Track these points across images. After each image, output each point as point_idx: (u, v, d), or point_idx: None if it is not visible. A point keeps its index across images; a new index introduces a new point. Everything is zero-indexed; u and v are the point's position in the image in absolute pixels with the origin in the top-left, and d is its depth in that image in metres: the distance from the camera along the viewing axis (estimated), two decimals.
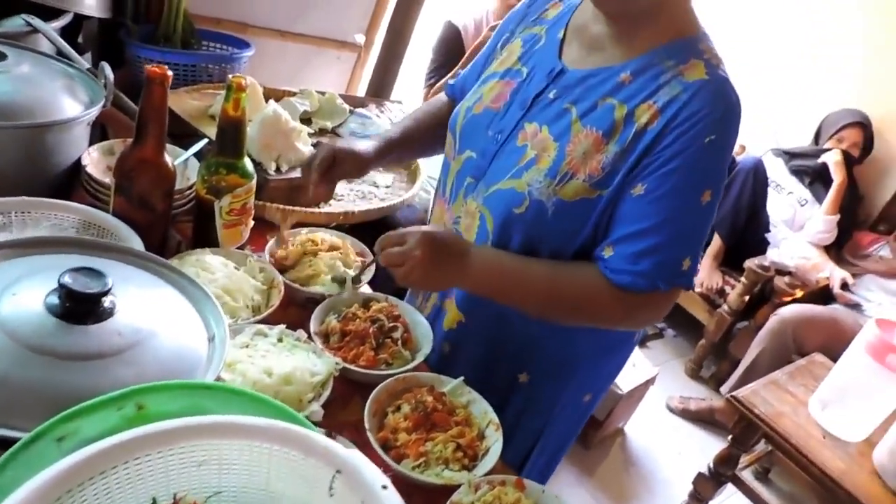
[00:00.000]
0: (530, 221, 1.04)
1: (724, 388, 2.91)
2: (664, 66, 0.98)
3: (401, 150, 1.32)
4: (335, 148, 1.21)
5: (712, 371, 3.23)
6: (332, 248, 1.26)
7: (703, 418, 2.91)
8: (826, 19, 3.48)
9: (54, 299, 0.72)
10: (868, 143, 3.19)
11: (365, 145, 1.25)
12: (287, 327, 1.07)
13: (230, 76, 1.08)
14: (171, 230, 1.26)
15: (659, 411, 2.93)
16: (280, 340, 1.05)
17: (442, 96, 1.36)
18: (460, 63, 2.21)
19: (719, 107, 0.94)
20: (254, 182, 1.18)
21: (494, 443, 0.99)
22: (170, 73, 1.02)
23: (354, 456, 0.59)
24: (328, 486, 0.58)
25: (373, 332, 1.09)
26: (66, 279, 0.70)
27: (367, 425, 0.95)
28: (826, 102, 3.36)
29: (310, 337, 1.08)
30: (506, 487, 0.91)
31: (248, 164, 1.17)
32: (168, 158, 1.11)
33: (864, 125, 3.17)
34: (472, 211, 1.12)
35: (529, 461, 1.27)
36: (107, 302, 0.74)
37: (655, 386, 2.71)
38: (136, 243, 1.07)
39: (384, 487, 0.55)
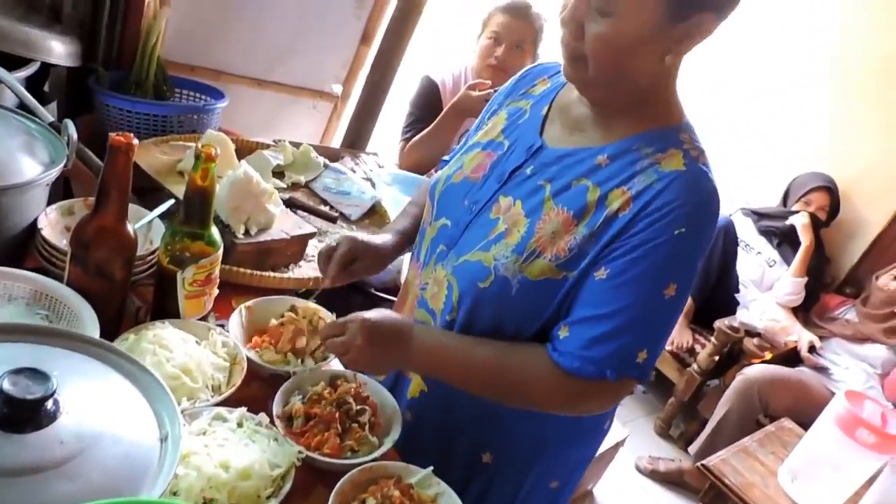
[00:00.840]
0: (494, 297, 1.02)
1: (692, 449, 2.89)
2: (642, 153, 0.96)
3: (414, 239, 1.31)
4: (357, 242, 1.19)
5: (681, 430, 3.21)
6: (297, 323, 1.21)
7: (672, 480, 2.88)
8: (795, 83, 3.57)
9: None
10: (835, 206, 3.25)
11: (383, 239, 1.24)
12: (249, 407, 1.02)
13: (199, 144, 1.04)
14: (131, 296, 1.20)
15: (628, 471, 2.89)
16: (240, 425, 0.99)
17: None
18: (430, 127, 2.21)
19: (693, 199, 0.92)
20: (220, 251, 1.13)
21: None
22: (135, 141, 0.98)
23: None
24: None
25: (339, 416, 1.04)
26: (6, 384, 0.64)
27: None
28: (795, 164, 3.44)
29: (272, 420, 1.02)
30: None
31: (215, 232, 1.13)
32: (129, 227, 1.06)
33: (830, 189, 3.23)
34: (441, 279, 1.09)
35: None
36: (49, 405, 0.68)
37: (625, 445, 2.67)
38: (89, 316, 1.01)
39: None
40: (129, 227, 1.06)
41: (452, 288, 1.07)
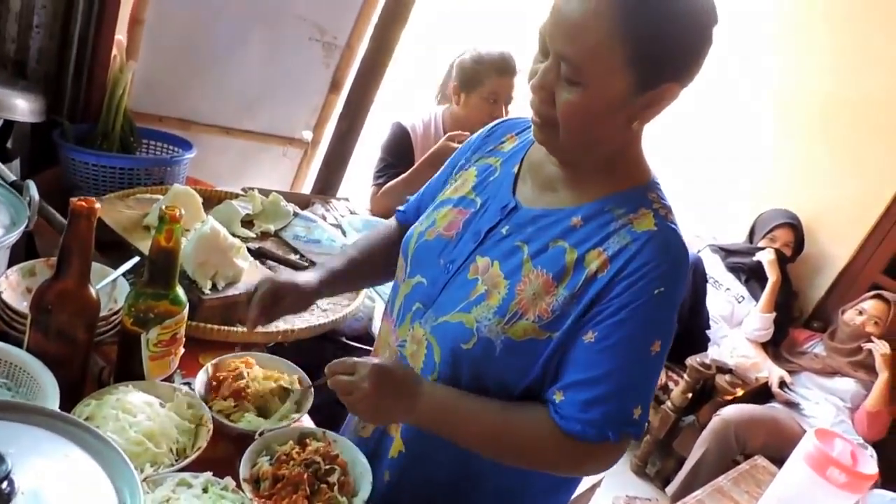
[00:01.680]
0: (478, 357, 1.02)
1: (669, 489, 2.88)
2: (614, 214, 0.99)
3: (346, 281, 1.30)
4: (276, 283, 1.17)
5: (658, 467, 3.20)
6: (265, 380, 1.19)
7: None
8: (759, 121, 3.68)
9: None
10: (799, 242, 3.33)
11: (307, 277, 1.21)
12: (215, 469, 0.99)
13: (163, 206, 1.04)
14: (95, 357, 1.18)
15: None
16: (205, 491, 0.97)
17: (391, 223, 1.34)
18: (406, 175, 2.23)
19: (668, 259, 0.95)
20: (185, 311, 1.12)
21: None
22: (97, 205, 0.97)
23: None
24: None
25: (307, 477, 1.02)
26: None
27: None
28: (760, 200, 3.52)
29: (238, 485, 1.00)
30: None
31: (181, 292, 1.12)
32: (92, 289, 1.05)
33: (794, 226, 3.31)
34: (419, 338, 1.09)
35: None
36: (4, 486, 0.66)
37: (601, 485, 2.66)
38: (50, 382, 0.99)
39: None
40: (92, 290, 1.05)
41: (433, 347, 1.06)
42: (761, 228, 3.37)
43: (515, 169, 1.11)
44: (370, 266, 1.28)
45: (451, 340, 1.03)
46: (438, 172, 1.28)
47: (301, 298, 1.19)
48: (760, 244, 3.33)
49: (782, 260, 3.25)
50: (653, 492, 3.07)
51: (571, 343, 0.98)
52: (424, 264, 1.12)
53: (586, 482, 2.47)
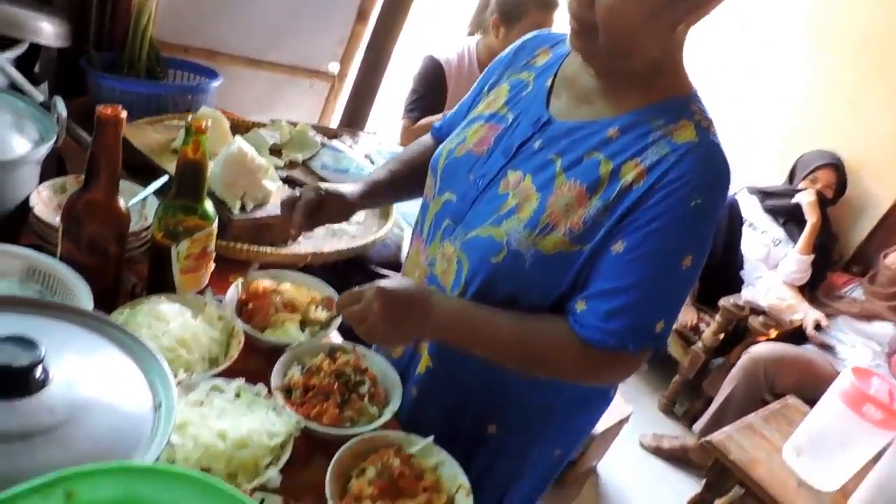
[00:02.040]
0: (507, 271, 1.00)
1: (696, 427, 2.87)
2: (653, 125, 0.94)
3: (387, 193, 1.30)
4: (321, 190, 1.16)
5: (686, 407, 3.19)
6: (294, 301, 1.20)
7: (676, 457, 2.87)
8: (802, 60, 3.53)
9: None
10: (841, 184, 3.22)
11: (351, 188, 1.20)
12: (247, 379, 1.00)
13: (190, 117, 1.02)
14: (127, 272, 1.19)
15: (632, 449, 2.89)
16: (238, 396, 0.98)
17: (427, 138, 1.32)
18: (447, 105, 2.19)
19: (708, 172, 0.92)
20: (215, 225, 1.12)
21: None
22: (123, 114, 0.96)
23: None
24: None
25: (338, 387, 1.03)
26: None
27: (327, 493, 0.88)
28: (801, 142, 3.40)
29: (270, 392, 1.01)
30: None
31: (209, 206, 1.11)
32: (121, 201, 1.05)
33: (837, 167, 3.20)
34: (450, 255, 1.08)
35: None
36: (38, 373, 0.66)
37: (629, 422, 2.66)
38: (84, 291, 1.00)
39: None
40: (121, 202, 1.05)
41: (462, 264, 1.05)
42: (802, 169, 3.26)
43: (549, 83, 1.07)
44: (410, 178, 1.26)
45: (481, 255, 1.01)
46: (470, 91, 1.25)
47: (343, 207, 1.18)
48: (800, 186, 3.22)
49: (823, 202, 3.15)
50: (680, 430, 3.07)
51: (600, 254, 0.95)
52: (454, 181, 1.10)
53: (613, 417, 2.48)
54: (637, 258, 0.92)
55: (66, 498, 0.58)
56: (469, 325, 1.01)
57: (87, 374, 0.72)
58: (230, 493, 0.62)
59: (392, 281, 1.01)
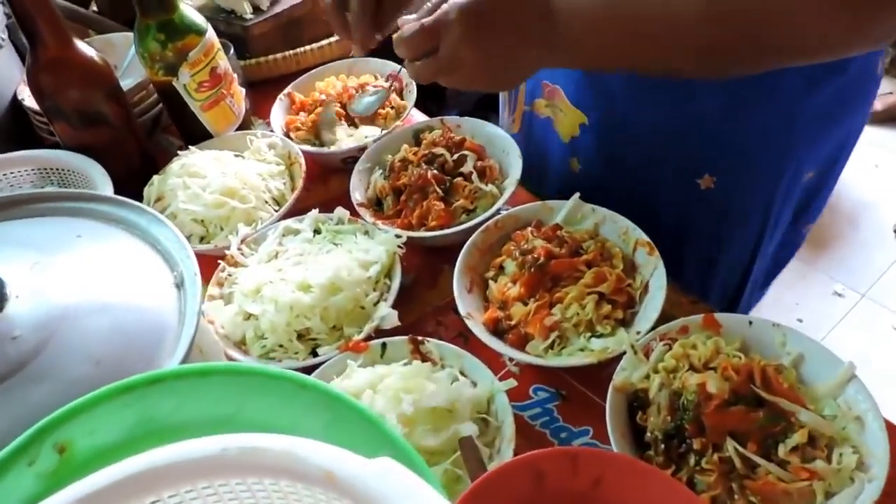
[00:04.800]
0: None
1: None
2: None
3: None
4: None
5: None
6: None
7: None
8: None
9: None
10: None
11: None
12: (323, 209, 0.77)
13: None
14: (165, 137, 0.99)
15: None
16: (317, 232, 0.76)
17: None
18: None
19: None
20: (207, 35, 0.84)
21: (653, 271, 0.66)
22: None
23: None
24: None
25: (433, 176, 0.77)
26: None
27: (461, 311, 0.65)
28: None
29: (354, 213, 0.77)
30: (690, 337, 0.59)
31: (189, 13, 0.83)
32: (86, 50, 0.80)
33: None
34: None
35: (745, 292, 0.89)
36: None
37: None
38: (98, 174, 0.80)
39: None
40: (86, 51, 0.80)
41: None
42: None
43: None
44: None
45: None
46: None
47: None
48: None
49: None
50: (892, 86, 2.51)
51: None
52: None
53: None
54: None
55: (59, 452, 0.40)
56: (621, 15, 0.58)
57: (66, 273, 0.52)
58: (296, 380, 0.41)
59: None
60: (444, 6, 0.59)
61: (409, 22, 0.61)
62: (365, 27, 0.68)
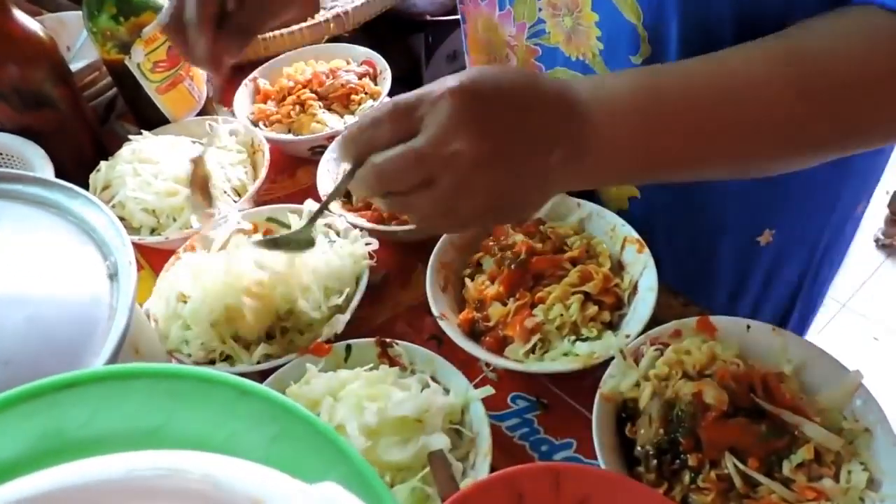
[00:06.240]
0: None
1: None
2: None
3: None
4: None
5: None
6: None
7: None
8: None
9: None
10: None
11: None
12: (288, 200, 0.71)
13: None
14: (120, 123, 0.92)
15: None
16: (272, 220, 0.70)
17: None
18: None
19: None
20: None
21: (643, 270, 0.61)
22: None
23: None
24: None
25: None
26: None
27: (434, 311, 0.59)
28: None
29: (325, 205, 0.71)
30: (683, 341, 0.54)
31: None
32: (27, 23, 0.73)
33: None
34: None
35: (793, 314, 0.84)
36: None
37: None
38: (35, 155, 0.74)
39: None
40: (31, 24, 0.74)
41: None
42: None
43: None
44: None
45: None
46: None
47: None
48: None
49: None
50: None
51: None
52: None
53: None
54: None
55: None
56: (678, 116, 0.45)
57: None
58: (237, 385, 0.35)
59: (475, 70, 0.44)
60: (426, 89, 0.43)
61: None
62: (208, 42, 0.55)
